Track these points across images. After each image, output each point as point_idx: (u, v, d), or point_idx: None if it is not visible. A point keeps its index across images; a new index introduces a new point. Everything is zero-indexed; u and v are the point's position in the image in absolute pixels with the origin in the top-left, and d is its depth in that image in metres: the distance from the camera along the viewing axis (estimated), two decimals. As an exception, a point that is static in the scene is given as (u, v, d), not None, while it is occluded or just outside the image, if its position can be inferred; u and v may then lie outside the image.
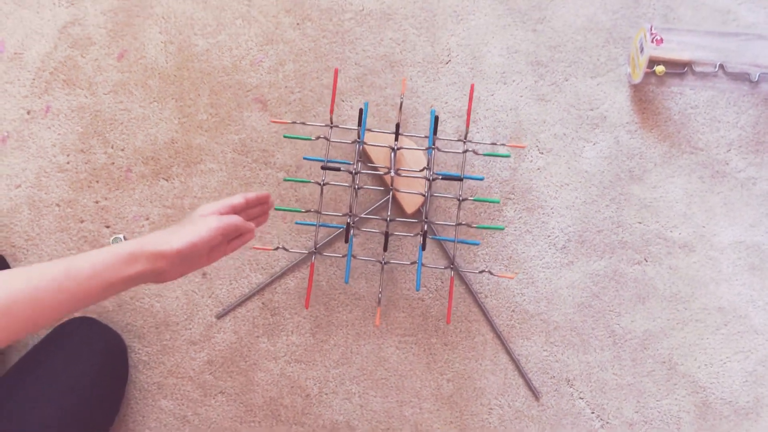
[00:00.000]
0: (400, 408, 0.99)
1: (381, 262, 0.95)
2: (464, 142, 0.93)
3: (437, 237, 0.96)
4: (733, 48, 1.01)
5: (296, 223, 0.97)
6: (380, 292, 0.95)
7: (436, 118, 0.90)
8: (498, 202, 0.89)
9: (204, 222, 0.68)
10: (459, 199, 0.92)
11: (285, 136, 0.92)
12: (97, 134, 1.01)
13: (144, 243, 0.63)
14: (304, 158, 0.92)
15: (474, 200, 0.92)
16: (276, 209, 0.96)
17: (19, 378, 0.85)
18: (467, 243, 0.94)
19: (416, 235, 0.94)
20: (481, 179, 0.91)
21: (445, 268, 0.97)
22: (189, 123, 1.01)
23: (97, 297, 0.60)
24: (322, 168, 0.89)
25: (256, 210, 0.81)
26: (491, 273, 0.93)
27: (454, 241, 0.94)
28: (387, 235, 0.89)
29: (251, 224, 0.75)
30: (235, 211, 0.75)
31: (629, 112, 1.02)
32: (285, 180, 0.96)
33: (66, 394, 0.83)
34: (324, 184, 0.93)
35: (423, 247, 0.87)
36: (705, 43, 1.01)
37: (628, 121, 1.02)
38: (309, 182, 0.94)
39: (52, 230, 1.00)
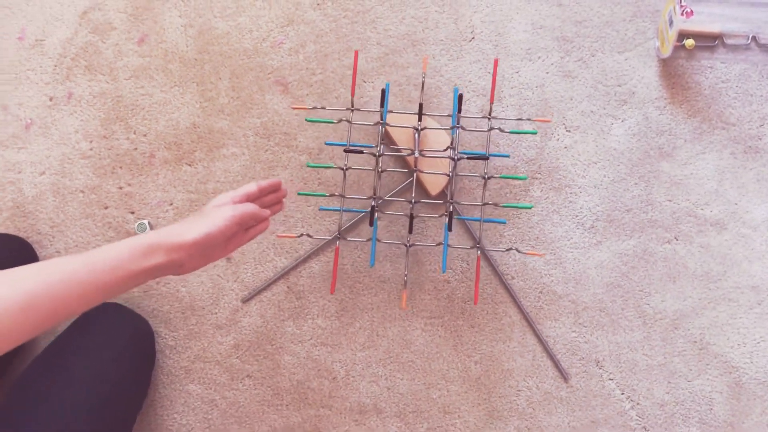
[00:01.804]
0: (428, 390, 0.99)
1: (406, 245, 0.94)
2: (489, 119, 0.91)
3: (463, 217, 0.95)
4: (765, 19, 0.98)
5: (320, 209, 0.96)
6: (406, 275, 0.94)
7: (460, 97, 0.88)
8: (525, 179, 0.88)
9: (219, 212, 0.69)
10: (485, 178, 0.91)
11: (307, 120, 0.91)
12: (120, 120, 1.01)
13: (161, 235, 0.64)
14: (326, 143, 0.91)
15: (500, 177, 0.90)
16: (300, 194, 0.95)
17: (47, 365, 0.86)
18: (493, 221, 0.93)
19: (441, 216, 0.93)
20: (507, 156, 0.89)
21: (471, 248, 0.96)
22: (210, 107, 1.01)
23: (117, 289, 0.61)
24: (345, 151, 0.88)
25: (270, 198, 0.82)
26: (518, 251, 0.92)
27: (479, 221, 0.93)
28: (412, 218, 0.88)
29: (266, 211, 0.75)
30: (249, 199, 0.75)
31: (658, 88, 1.00)
32: (308, 166, 0.95)
33: (95, 380, 0.83)
34: (347, 169, 0.92)
35: (449, 228, 0.86)
36: (736, 15, 0.98)
37: (657, 97, 1.00)
38: (332, 167, 0.93)
39: (77, 217, 1.00)
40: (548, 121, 0.93)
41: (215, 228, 0.67)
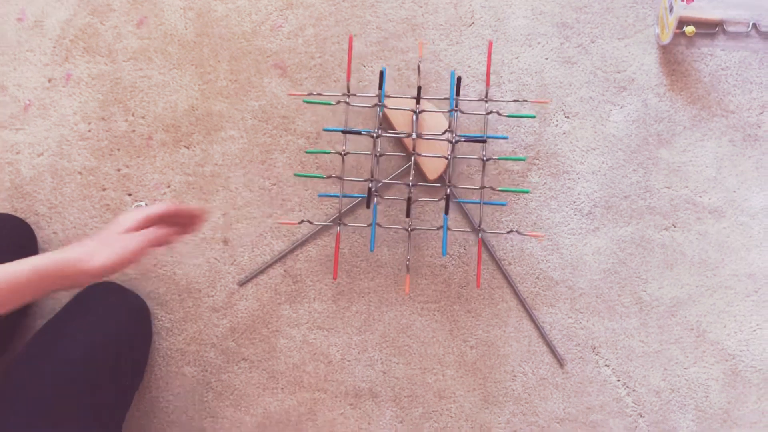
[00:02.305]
0: (423, 375, 0.99)
1: (407, 229, 0.94)
2: (486, 101, 0.91)
3: (462, 200, 0.95)
4: (766, 6, 0.98)
5: (319, 196, 0.96)
6: (408, 259, 0.94)
7: (458, 80, 0.88)
8: (524, 160, 0.88)
9: (122, 243, 0.70)
10: (483, 160, 0.90)
11: (305, 101, 0.91)
12: (118, 102, 1.01)
13: (64, 261, 0.67)
14: (324, 129, 0.91)
15: (499, 159, 0.90)
16: (296, 175, 0.96)
17: (44, 344, 0.86)
18: (494, 204, 0.93)
19: (440, 200, 0.93)
20: (506, 138, 0.89)
21: (472, 231, 0.95)
22: (209, 90, 1.01)
23: (17, 303, 0.65)
24: (343, 133, 0.88)
25: (184, 219, 0.80)
26: (519, 233, 0.91)
27: (479, 203, 0.92)
28: (410, 201, 0.88)
29: (172, 238, 0.77)
30: (157, 220, 0.75)
31: (658, 75, 1.00)
32: (307, 152, 0.95)
33: (92, 360, 0.84)
34: (345, 154, 0.91)
35: (446, 211, 0.86)
36: (737, 2, 0.98)
37: (657, 84, 0.99)
38: (330, 152, 0.93)
39: (75, 198, 1.00)
40: (546, 102, 0.92)
41: (118, 260, 0.69)
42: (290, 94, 0.90)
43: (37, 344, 0.85)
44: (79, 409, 0.79)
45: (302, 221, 0.95)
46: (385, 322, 0.99)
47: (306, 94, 0.92)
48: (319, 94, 0.92)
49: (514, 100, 0.90)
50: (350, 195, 0.97)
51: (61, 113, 1.01)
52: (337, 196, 0.95)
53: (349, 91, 0.92)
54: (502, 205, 0.92)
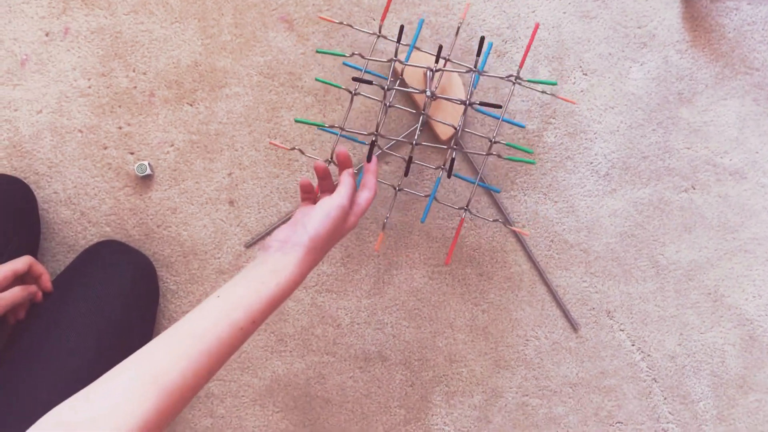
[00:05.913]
0: (434, 338, 0.97)
1: (395, 188, 0.90)
2: (514, 81, 0.83)
3: (458, 175, 0.90)
4: (796, -42, 0.93)
5: (318, 129, 0.90)
6: (387, 217, 0.89)
7: (482, 39, 0.81)
8: (534, 164, 0.84)
9: None
10: (491, 141, 0.83)
11: (318, 51, 0.86)
12: (118, 57, 0.97)
13: None
14: (344, 63, 0.86)
15: (506, 145, 0.84)
16: (297, 121, 0.90)
17: (48, 305, 0.84)
18: (486, 187, 0.89)
19: (437, 168, 0.88)
20: (523, 126, 0.85)
21: (459, 208, 0.90)
22: (212, 45, 0.97)
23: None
24: (354, 79, 0.83)
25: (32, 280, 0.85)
26: (504, 225, 0.87)
27: (474, 183, 0.88)
28: (410, 160, 0.83)
29: (32, 293, 0.83)
30: (14, 277, 0.81)
31: (680, 30, 0.95)
32: (317, 80, 0.88)
33: (100, 319, 0.83)
34: (355, 94, 0.86)
35: (449, 175, 0.82)
36: (766, -47, 0.93)
37: (679, 40, 0.95)
38: (340, 87, 0.87)
39: (76, 157, 0.97)
40: (574, 103, 0.88)
41: None
42: (320, 18, 0.86)
43: (40, 306, 0.84)
44: (87, 363, 0.78)
45: (293, 148, 0.89)
46: (395, 285, 0.97)
47: (337, 22, 0.86)
48: (350, 26, 0.86)
49: (542, 91, 0.85)
50: (349, 137, 0.91)
51: (59, 68, 0.97)
52: (335, 134, 0.89)
53: (380, 32, 0.86)
54: (496, 191, 0.89)
